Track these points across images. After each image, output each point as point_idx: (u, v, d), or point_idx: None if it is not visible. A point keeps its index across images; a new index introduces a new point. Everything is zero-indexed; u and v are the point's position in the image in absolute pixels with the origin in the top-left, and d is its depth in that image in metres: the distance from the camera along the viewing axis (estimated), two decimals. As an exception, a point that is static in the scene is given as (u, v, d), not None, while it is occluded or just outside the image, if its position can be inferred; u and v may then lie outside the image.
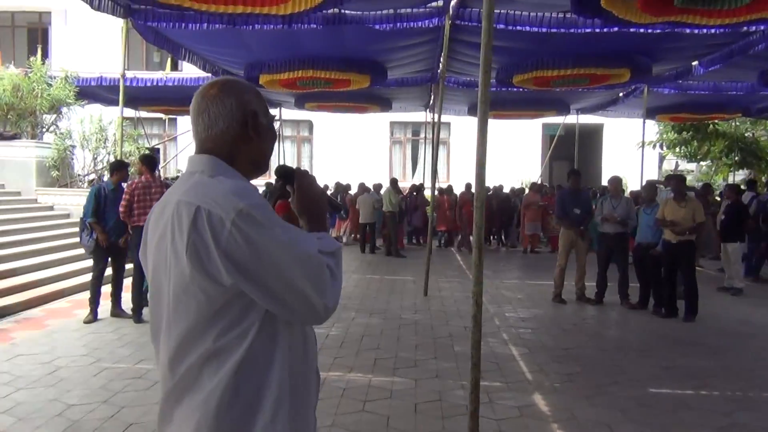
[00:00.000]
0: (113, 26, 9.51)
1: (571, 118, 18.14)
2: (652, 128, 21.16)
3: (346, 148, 22.85)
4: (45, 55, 20.83)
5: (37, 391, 4.95)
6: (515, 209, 16.27)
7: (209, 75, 13.00)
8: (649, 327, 7.71)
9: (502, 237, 16.79)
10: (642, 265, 8.74)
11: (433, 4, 8.83)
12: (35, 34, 24.23)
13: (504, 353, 6.33)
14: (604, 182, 20.71)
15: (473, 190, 13.15)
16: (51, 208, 12.99)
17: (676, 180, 8.54)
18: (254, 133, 1.63)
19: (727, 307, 9.09)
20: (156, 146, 18.44)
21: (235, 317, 1.49)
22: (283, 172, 1.77)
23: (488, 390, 5.14)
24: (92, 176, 15.00)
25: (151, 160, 7.82)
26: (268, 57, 10.79)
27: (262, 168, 1.70)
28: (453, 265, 13.05)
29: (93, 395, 4.86)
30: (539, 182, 19.04)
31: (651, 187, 9.27)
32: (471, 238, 15.86)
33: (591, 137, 23.35)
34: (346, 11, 8.86)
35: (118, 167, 7.78)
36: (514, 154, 22.51)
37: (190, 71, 17.77)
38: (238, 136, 1.62)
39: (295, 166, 1.83)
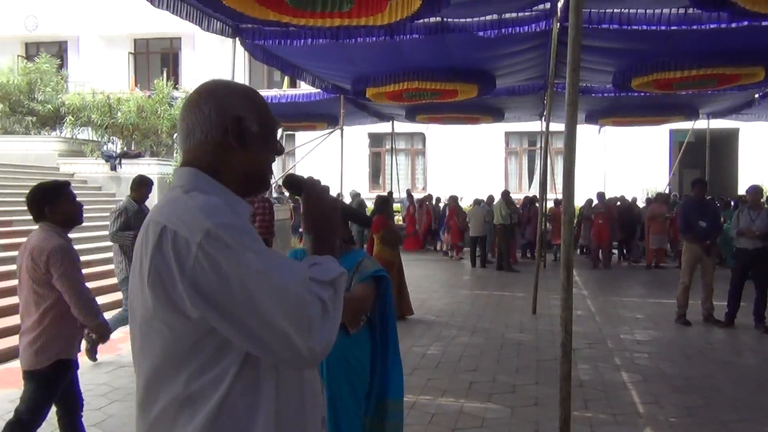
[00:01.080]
0: (238, 48, 9.99)
1: (701, 123, 16.82)
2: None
3: (460, 160, 22.50)
4: (175, 78, 22.13)
5: (129, 404, 5.04)
6: (638, 220, 15.27)
7: (319, 91, 13.22)
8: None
9: (624, 250, 15.81)
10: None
11: (540, 6, 8.41)
12: (167, 59, 25.86)
13: (614, 380, 5.79)
14: (741, 192, 19.05)
15: (598, 200, 12.41)
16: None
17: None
18: (238, 142, 1.41)
19: None
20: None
21: (208, 359, 1.27)
22: (291, 182, 1.57)
23: (592, 422, 4.68)
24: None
25: None
26: (373, 70, 10.75)
27: (258, 182, 1.47)
28: (568, 280, 12.37)
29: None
30: (667, 192, 17.83)
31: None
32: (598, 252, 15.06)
33: (725, 143, 21.64)
34: (448, 19, 8.61)
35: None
36: (638, 162, 21.25)
37: (306, 88, 18.22)
38: (219, 146, 1.40)
39: (313, 176, 1.59)
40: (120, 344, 6.94)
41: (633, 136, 20.29)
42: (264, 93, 15.89)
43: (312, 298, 1.26)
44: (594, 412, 4.90)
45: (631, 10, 7.90)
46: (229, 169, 1.41)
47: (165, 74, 19.98)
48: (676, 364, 6.43)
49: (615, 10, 7.96)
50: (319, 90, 13.14)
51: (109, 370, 5.97)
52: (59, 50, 25.28)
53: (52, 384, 3.52)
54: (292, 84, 22.94)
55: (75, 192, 3.79)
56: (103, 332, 3.71)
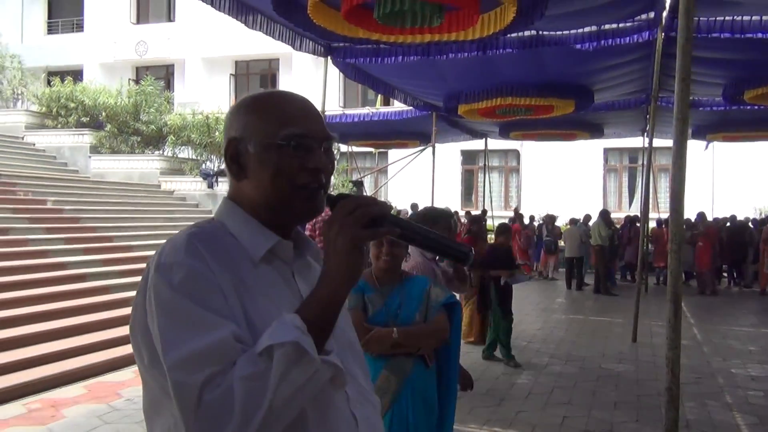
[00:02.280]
0: (332, 67, 10.10)
1: (823, 138, 15.52)
2: None
3: (555, 178, 21.78)
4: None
5: None
6: (751, 242, 14.19)
7: (411, 108, 13.14)
8: None
9: (734, 275, 14.72)
10: None
11: (643, 16, 7.95)
12: (266, 80, 26.65)
13: (725, 421, 5.26)
14: None
15: (697, 221, 11.64)
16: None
17: None
18: (236, 170, 1.25)
19: None
20: (360, 178, 19.09)
21: (172, 425, 1.10)
22: (329, 199, 1.27)
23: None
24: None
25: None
26: (465, 86, 10.54)
27: (278, 208, 1.23)
28: (672, 306, 11.61)
29: None
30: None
31: None
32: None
33: None
34: (544, 32, 8.29)
35: None
36: (750, 180, 19.85)
37: (399, 105, 18.22)
38: (230, 173, 1.27)
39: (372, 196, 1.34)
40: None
41: (744, 152, 19.00)
42: (356, 111, 16.06)
43: (219, 380, 1.01)
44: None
45: (745, 17, 7.33)
46: (244, 197, 1.26)
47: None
48: (799, 406, 5.79)
49: (727, 18, 7.40)
50: (411, 107, 13.07)
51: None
52: (166, 73, 26.58)
53: None
54: (386, 102, 23.06)
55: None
56: None
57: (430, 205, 14.21)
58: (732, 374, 6.79)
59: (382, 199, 22.06)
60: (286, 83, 25.15)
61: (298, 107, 1.27)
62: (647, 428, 5.04)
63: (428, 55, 8.86)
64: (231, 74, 26.16)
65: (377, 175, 23.52)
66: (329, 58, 9.34)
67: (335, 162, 1.32)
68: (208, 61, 25.59)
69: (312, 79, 23.37)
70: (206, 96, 23.91)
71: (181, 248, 1.13)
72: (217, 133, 16.96)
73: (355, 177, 19.79)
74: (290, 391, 1.02)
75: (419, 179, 18.08)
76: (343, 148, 17.94)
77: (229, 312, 1.10)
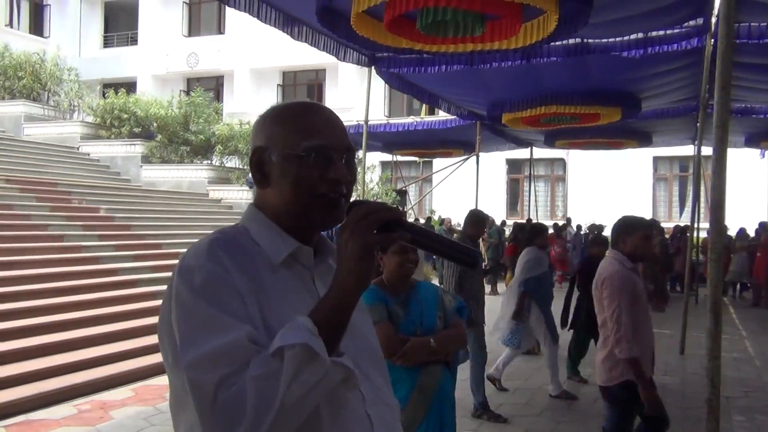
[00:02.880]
0: (377, 77, 10.22)
1: None
2: None
3: (603, 187, 21.43)
4: (318, 107, 23.00)
5: None
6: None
7: (455, 117, 13.15)
8: None
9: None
10: None
11: (691, 23, 7.81)
12: (312, 90, 27.01)
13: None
14: None
15: (760, 230, 11.25)
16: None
17: None
18: (259, 178, 1.32)
19: None
20: (404, 187, 19.14)
21: (194, 421, 1.14)
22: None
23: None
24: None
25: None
26: (509, 95, 10.51)
27: (298, 217, 1.28)
28: (724, 318, 11.30)
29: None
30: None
31: None
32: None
33: None
34: (589, 40, 8.22)
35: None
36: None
37: (443, 114, 18.25)
38: (254, 180, 1.34)
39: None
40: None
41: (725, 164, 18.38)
42: (401, 121, 16.12)
43: (234, 379, 1.05)
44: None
45: (797, 21, 7.14)
46: (267, 205, 1.32)
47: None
48: None
49: (777, 22, 7.22)
50: (454, 116, 13.08)
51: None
52: (216, 85, 27.20)
53: (622, 403, 3.63)
54: (430, 111, 23.09)
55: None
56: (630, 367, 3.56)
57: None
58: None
59: (426, 209, 22.00)
60: (332, 93, 25.44)
61: (321, 119, 1.32)
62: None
63: (471, 64, 8.87)
64: (278, 84, 26.60)
65: (421, 185, 23.54)
66: (373, 68, 9.44)
67: (356, 172, 1.37)
68: (256, 72, 26.08)
69: (358, 88, 23.59)
70: (254, 106, 24.36)
71: (203, 253, 1.20)
72: (263, 143, 17.25)
73: (399, 186, 19.86)
74: (301, 391, 1.05)
75: (464, 188, 18.05)
76: (387, 157, 18.04)
77: (246, 315, 1.14)
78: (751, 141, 14.25)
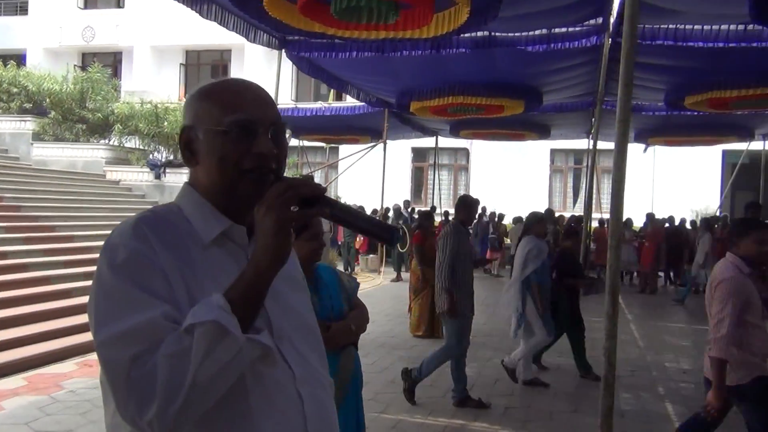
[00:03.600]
0: (285, 61, 10.05)
1: (756, 144, 16.26)
2: None
3: (504, 177, 22.18)
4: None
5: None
6: (687, 244, 14.76)
7: (363, 104, 13.19)
8: None
9: (671, 275, 15.30)
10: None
11: (591, 21, 8.20)
12: (217, 71, 26.27)
13: (657, 412, 5.53)
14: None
15: (647, 222, 11.89)
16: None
17: None
18: (188, 156, 1.30)
19: None
20: (312, 172, 19.05)
21: None
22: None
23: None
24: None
25: None
26: (418, 84, 10.66)
27: (226, 193, 1.26)
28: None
29: None
30: (718, 214, 17.26)
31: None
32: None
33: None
34: (496, 33, 8.47)
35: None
36: (688, 183, 20.64)
37: (351, 101, 18.28)
38: (183, 159, 1.33)
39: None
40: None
41: (683, 157, 19.74)
42: (309, 106, 16.01)
43: (146, 357, 1.05)
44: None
45: (687, 26, 7.64)
46: (198, 183, 1.31)
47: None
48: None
49: (670, 26, 7.71)
50: (363, 103, 13.11)
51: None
52: (114, 61, 25.95)
53: (757, 400, 3.43)
54: (338, 97, 23.05)
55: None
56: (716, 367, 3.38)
57: (380, 200, 14.31)
58: (665, 367, 7.10)
59: (331, 196, 21.96)
60: (237, 75, 24.80)
61: (245, 93, 1.29)
62: (584, 416, 5.24)
63: (383, 51, 8.94)
64: (181, 64, 25.72)
65: (327, 171, 23.49)
66: (283, 51, 9.33)
67: (287, 147, 1.36)
68: (158, 50, 25.09)
69: (264, 71, 23.17)
70: (155, 85, 23.45)
71: (128, 231, 1.18)
72: (165, 123, 16.65)
73: (305, 172, 19.75)
74: (214, 368, 1.05)
75: (370, 175, 18.16)
76: (294, 142, 17.87)
77: (168, 294, 1.13)
78: (640, 137, 15.16)
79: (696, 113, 11.52)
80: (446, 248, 5.44)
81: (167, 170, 15.03)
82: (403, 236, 12.44)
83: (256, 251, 1.14)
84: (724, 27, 7.60)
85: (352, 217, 1.22)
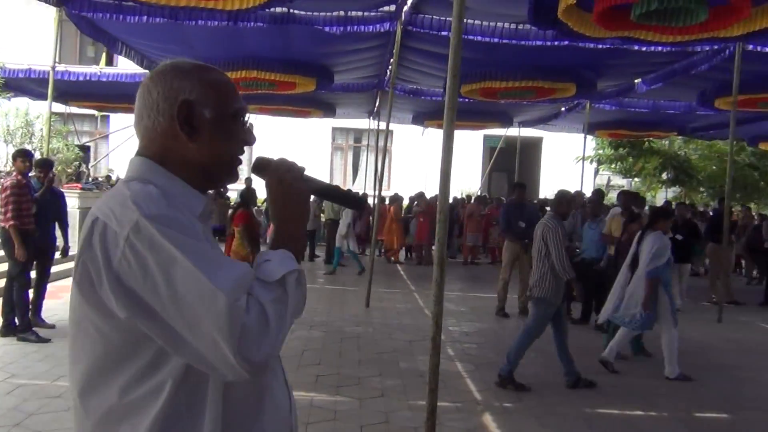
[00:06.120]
0: (45, 15, 8.93)
1: (512, 131, 18.28)
2: (589, 143, 21.57)
3: (285, 153, 22.15)
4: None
5: None
6: (456, 220, 16.21)
7: (146, 71, 12.45)
8: (594, 343, 7.64)
9: (443, 247, 16.70)
10: (585, 281, 8.69)
11: (385, 8, 8.63)
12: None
13: (450, 370, 6.13)
14: (542, 195, 20.98)
15: (418, 199, 12.77)
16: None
17: (624, 195, 8.55)
18: (186, 130, 1.28)
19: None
20: (87, 143, 17.59)
21: (146, 366, 1.18)
22: (255, 164, 1.42)
23: (437, 411, 4.90)
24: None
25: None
26: (210, 54, 10.35)
27: (215, 174, 1.35)
28: (395, 275, 12.86)
29: (4, 417, 4.38)
30: (480, 193, 19.12)
31: (595, 201, 9.26)
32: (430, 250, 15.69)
33: (530, 150, 23.65)
34: (295, 11, 8.55)
35: (43, 165, 7.15)
36: (456, 164, 22.47)
37: (126, 66, 17.02)
38: (167, 133, 1.29)
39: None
40: None
41: (455, 140, 21.50)
42: (76, 70, 14.65)
43: (251, 303, 1.14)
44: (438, 401, 5.15)
45: (468, 21, 8.37)
46: (179, 159, 1.30)
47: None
48: (502, 354, 6.85)
49: (449, 18, 8.38)
50: (146, 71, 12.37)
51: None
52: None
53: None
54: (109, 62, 21.37)
55: None
56: None
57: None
58: (450, 331, 7.85)
59: (101, 168, 20.42)
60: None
61: (234, 84, 1.40)
62: (389, 380, 5.67)
63: (176, 19, 8.57)
64: None
65: (96, 143, 21.76)
66: (63, 8, 8.52)
67: None
68: None
69: (20, 25, 20.67)
70: None
71: (160, 201, 1.18)
72: None
73: (74, 141, 18.11)
74: (300, 309, 1.24)
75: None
76: (59, 108, 16.29)
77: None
78: (418, 119, 16.25)
79: (468, 100, 12.65)
80: (555, 238, 5.78)
81: None
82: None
83: (296, 213, 1.35)
84: (499, 24, 8.47)
85: (330, 190, 1.50)
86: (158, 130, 1.30)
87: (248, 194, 9.06)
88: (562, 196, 6.37)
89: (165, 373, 1.17)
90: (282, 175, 1.36)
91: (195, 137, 1.30)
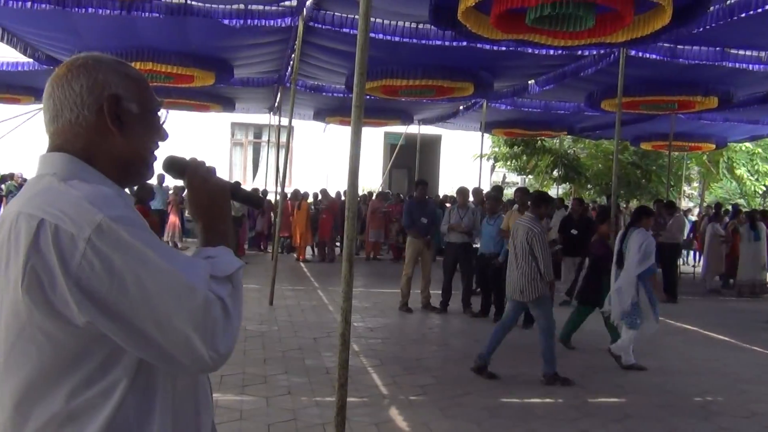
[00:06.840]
0: None
1: (412, 128, 18.56)
2: (486, 141, 22.26)
3: (185, 149, 21.40)
4: None
5: None
6: (358, 216, 16.30)
7: (30, 60, 11.74)
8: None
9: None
10: (484, 275, 8.99)
11: (286, 3, 8.53)
12: None
13: (356, 365, 6.15)
14: (441, 192, 21.47)
15: (321, 197, 12.74)
16: None
17: (521, 192, 8.89)
18: (116, 125, 1.25)
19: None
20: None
21: (96, 369, 1.14)
22: (171, 164, 1.40)
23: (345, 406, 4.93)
24: None
25: None
26: (101, 45, 9.82)
27: (138, 170, 1.33)
28: (298, 272, 12.78)
29: None
30: (381, 190, 19.30)
31: (494, 198, 9.58)
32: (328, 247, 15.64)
33: (430, 147, 24.10)
34: (192, 2, 8.30)
35: None
36: (361, 161, 22.62)
37: (5, 54, 15.86)
38: (93, 128, 1.25)
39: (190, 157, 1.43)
40: None
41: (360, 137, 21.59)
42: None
43: (215, 298, 1.16)
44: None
45: (371, 19, 8.41)
46: (105, 154, 1.26)
47: None
48: (406, 348, 7.06)
49: (356, 17, 8.41)
50: (29, 60, 11.66)
51: None
52: None
53: None
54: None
55: None
56: None
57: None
58: (355, 327, 7.82)
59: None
60: None
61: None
62: (294, 377, 5.64)
63: (63, 6, 8.11)
64: None
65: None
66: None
67: None
68: None
69: None
70: None
71: (117, 201, 1.16)
72: None
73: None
74: (242, 301, 1.28)
75: (39, 144, 16.22)
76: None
77: None
78: (319, 115, 16.19)
79: (370, 97, 12.72)
80: (541, 243, 5.98)
81: None
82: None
83: (225, 210, 1.38)
84: (401, 23, 8.58)
85: (238, 191, 1.51)
86: (83, 125, 1.25)
87: (143, 190, 8.71)
88: (540, 197, 6.62)
89: (116, 374, 1.15)
90: (205, 174, 1.38)
91: (123, 132, 1.27)
